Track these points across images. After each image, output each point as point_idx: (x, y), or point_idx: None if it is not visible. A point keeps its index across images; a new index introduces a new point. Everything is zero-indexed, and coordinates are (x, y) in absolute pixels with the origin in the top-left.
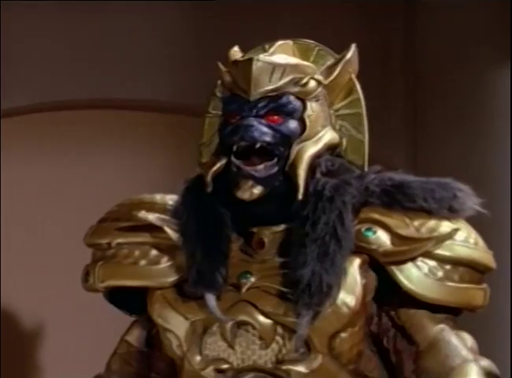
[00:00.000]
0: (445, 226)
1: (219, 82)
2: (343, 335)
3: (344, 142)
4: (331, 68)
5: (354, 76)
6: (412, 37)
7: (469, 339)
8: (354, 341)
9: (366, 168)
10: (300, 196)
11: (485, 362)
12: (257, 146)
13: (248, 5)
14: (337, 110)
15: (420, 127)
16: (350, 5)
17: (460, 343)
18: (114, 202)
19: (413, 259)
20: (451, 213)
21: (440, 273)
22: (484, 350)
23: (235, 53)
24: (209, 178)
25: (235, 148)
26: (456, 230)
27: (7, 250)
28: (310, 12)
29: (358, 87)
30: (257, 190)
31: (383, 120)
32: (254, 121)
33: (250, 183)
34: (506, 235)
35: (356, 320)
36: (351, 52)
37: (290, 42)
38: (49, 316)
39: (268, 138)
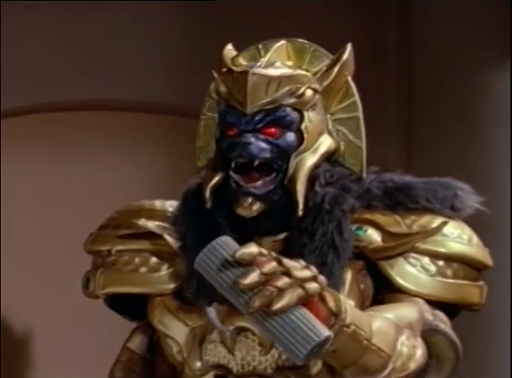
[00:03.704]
0: (436, 222)
1: (212, 85)
2: None
3: (342, 147)
4: (327, 72)
5: (350, 79)
6: (407, 37)
7: (441, 314)
8: None
9: (365, 175)
10: (300, 212)
11: (443, 326)
12: (256, 163)
13: (245, 7)
14: (333, 114)
15: (414, 128)
16: (345, 5)
17: (428, 308)
18: (111, 204)
19: (403, 254)
20: (453, 211)
21: (433, 269)
22: (483, 349)
23: (229, 52)
24: (207, 193)
25: (233, 165)
26: (445, 223)
27: (6, 251)
28: (306, 14)
29: (355, 89)
30: (257, 207)
31: (377, 120)
32: (251, 138)
33: (250, 200)
34: (506, 236)
35: None
36: (347, 53)
37: (284, 42)
38: (49, 319)
39: (267, 155)
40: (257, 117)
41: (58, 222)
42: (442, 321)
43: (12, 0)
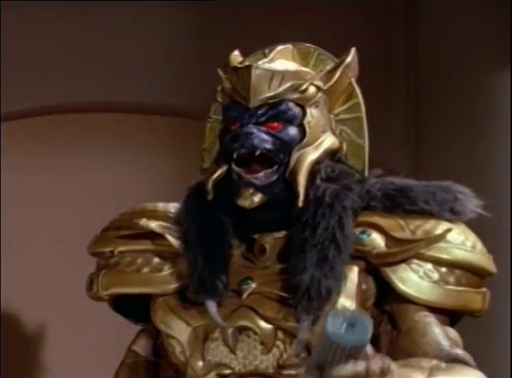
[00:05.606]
0: (440, 229)
1: (219, 87)
2: None
3: (345, 146)
4: (330, 73)
5: (353, 81)
6: (413, 39)
7: (452, 331)
8: None
9: (367, 174)
10: (300, 203)
11: (461, 353)
12: (257, 153)
13: (249, 7)
14: (337, 115)
15: (421, 129)
16: (351, 7)
17: (441, 331)
18: (116, 205)
19: (406, 260)
20: (453, 215)
21: (436, 276)
22: (484, 353)
23: (236, 57)
24: (209, 186)
25: (235, 155)
26: (448, 230)
27: (7, 253)
28: (311, 15)
29: (358, 91)
30: (258, 198)
31: (384, 121)
32: (253, 128)
33: (251, 190)
34: (507, 237)
35: None
36: (351, 56)
37: (290, 45)
38: (49, 320)
39: (268, 146)
40: (260, 111)
41: (63, 224)
42: (457, 344)
43: (13, 0)
